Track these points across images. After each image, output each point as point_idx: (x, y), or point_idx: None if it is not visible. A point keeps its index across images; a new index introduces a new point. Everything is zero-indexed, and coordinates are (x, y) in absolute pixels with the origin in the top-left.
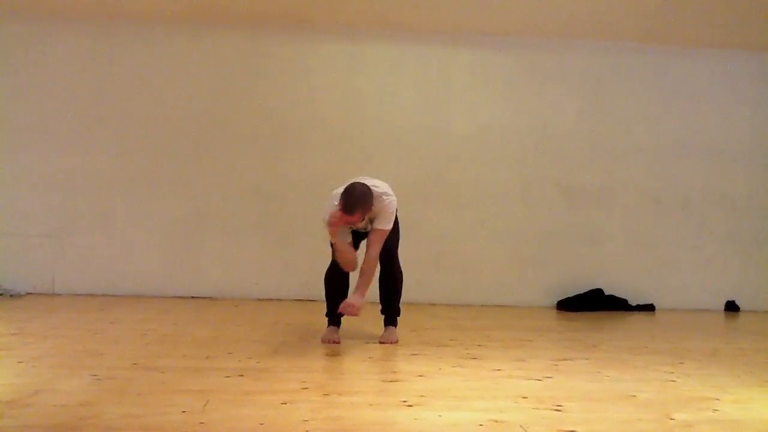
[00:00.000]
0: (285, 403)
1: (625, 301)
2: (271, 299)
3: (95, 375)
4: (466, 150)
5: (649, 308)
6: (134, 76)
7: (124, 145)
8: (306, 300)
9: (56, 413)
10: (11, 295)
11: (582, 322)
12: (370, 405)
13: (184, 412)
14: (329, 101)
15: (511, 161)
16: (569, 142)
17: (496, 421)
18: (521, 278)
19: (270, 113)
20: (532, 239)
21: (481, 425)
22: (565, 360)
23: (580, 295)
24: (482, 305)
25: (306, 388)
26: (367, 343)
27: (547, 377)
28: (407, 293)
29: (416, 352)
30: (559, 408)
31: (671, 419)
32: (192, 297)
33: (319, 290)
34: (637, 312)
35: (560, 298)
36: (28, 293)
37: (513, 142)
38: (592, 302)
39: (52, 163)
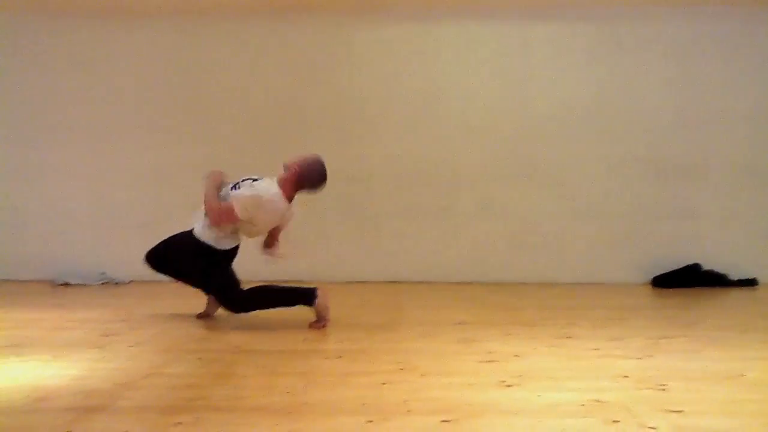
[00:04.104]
0: (384, 384)
1: (725, 275)
2: (357, 281)
3: (201, 358)
4: (550, 126)
5: (752, 283)
6: (219, 68)
7: (212, 137)
8: (392, 282)
9: (167, 395)
10: (116, 283)
11: (677, 298)
12: (469, 385)
13: (287, 393)
14: (410, 83)
15: (596, 136)
16: (656, 115)
17: (599, 401)
18: (610, 255)
19: (352, 97)
20: (620, 216)
21: (582, 405)
22: (664, 338)
23: (676, 270)
24: (570, 284)
25: (403, 369)
26: (458, 324)
27: (648, 356)
28: (493, 272)
29: (509, 332)
30: (663, 387)
31: None
32: (284, 281)
33: (405, 271)
34: (738, 287)
35: (653, 275)
36: (132, 281)
37: (597, 117)
38: (690, 278)
39: (148, 157)
